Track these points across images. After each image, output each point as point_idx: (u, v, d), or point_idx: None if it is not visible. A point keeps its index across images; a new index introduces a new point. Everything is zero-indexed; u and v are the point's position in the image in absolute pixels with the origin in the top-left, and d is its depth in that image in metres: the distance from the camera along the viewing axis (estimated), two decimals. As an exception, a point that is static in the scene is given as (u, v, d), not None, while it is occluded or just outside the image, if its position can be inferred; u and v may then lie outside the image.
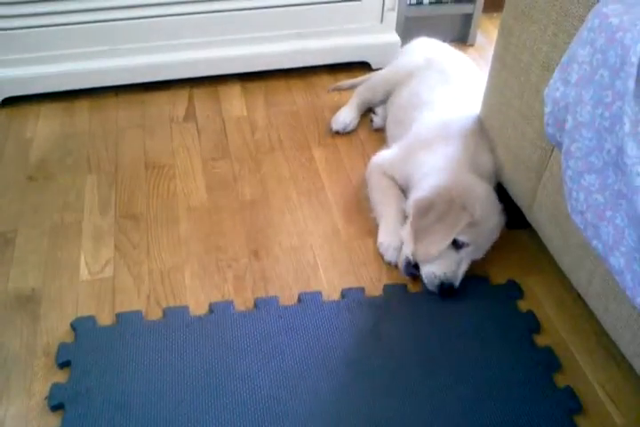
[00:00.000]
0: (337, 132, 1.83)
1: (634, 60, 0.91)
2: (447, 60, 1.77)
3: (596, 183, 1.01)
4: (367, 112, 1.91)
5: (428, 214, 1.34)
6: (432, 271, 1.33)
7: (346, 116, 1.85)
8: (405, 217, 1.45)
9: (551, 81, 1.11)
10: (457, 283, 1.33)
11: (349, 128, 1.84)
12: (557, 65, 1.12)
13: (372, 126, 1.86)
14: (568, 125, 1.05)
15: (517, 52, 1.33)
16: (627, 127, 0.90)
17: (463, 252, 1.34)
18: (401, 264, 1.39)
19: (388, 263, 1.43)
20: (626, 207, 0.95)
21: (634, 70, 0.91)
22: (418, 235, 1.35)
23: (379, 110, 1.87)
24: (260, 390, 1.17)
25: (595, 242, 1.03)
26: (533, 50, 1.27)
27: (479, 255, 1.37)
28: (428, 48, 1.85)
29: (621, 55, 0.94)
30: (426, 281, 1.34)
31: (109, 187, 1.64)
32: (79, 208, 1.58)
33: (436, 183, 1.39)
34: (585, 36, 1.03)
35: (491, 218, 1.36)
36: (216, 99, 1.98)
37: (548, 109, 1.11)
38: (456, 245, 1.33)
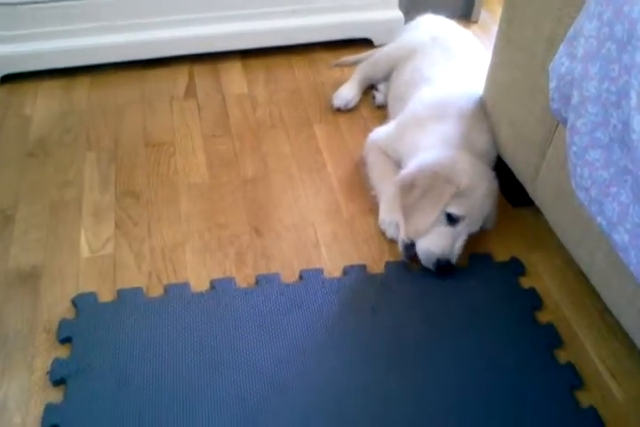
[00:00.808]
0: (338, 109, 1.82)
1: (642, 33, 0.89)
2: (452, 37, 1.74)
3: (601, 159, 1.00)
4: (369, 89, 1.89)
5: (413, 191, 1.34)
6: (427, 248, 1.32)
7: (347, 93, 1.83)
8: None
9: (557, 55, 1.09)
10: (454, 259, 1.32)
11: (351, 105, 1.82)
12: (562, 39, 1.10)
13: (375, 103, 1.84)
14: (574, 101, 1.03)
15: (521, 27, 1.31)
16: (633, 101, 0.89)
17: (460, 226, 1.32)
18: (400, 247, 1.38)
19: (390, 240, 1.42)
20: (631, 183, 0.94)
21: (642, 43, 0.89)
22: (406, 212, 1.35)
23: (381, 87, 1.85)
24: (260, 366, 1.17)
25: (599, 218, 1.02)
26: (538, 24, 1.25)
27: (476, 228, 1.35)
28: (433, 25, 1.82)
29: (628, 29, 0.93)
30: (422, 258, 1.33)
31: (109, 164, 1.63)
32: (79, 185, 1.57)
33: (420, 160, 1.39)
34: (592, 10, 1.01)
35: (480, 186, 1.34)
36: (216, 76, 1.96)
37: (553, 84, 1.10)
38: (451, 219, 1.32)
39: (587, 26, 1.02)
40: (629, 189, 0.95)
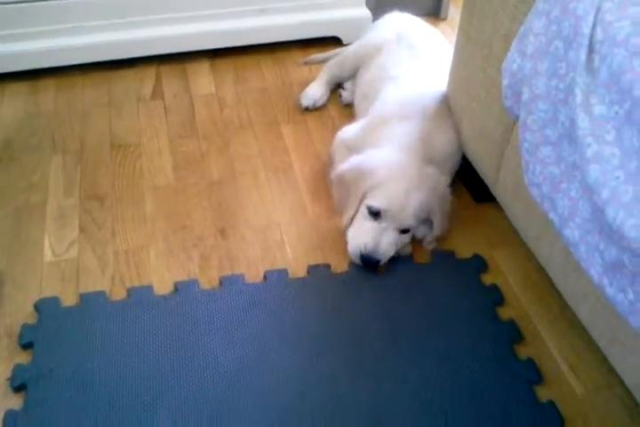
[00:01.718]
0: (306, 109, 1.82)
1: (585, 30, 0.90)
2: (417, 34, 1.75)
3: (551, 155, 1.01)
4: (337, 88, 1.89)
5: (342, 186, 1.40)
6: (351, 241, 1.34)
7: (315, 92, 1.83)
8: None
9: (509, 53, 1.10)
10: (381, 256, 1.31)
11: (319, 104, 1.83)
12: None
13: (342, 102, 1.84)
14: (524, 98, 1.04)
15: (480, 24, 1.31)
16: (578, 98, 0.90)
17: (383, 222, 1.33)
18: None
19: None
20: (580, 179, 0.95)
21: (585, 41, 0.90)
22: (339, 206, 1.42)
23: (347, 85, 1.85)
24: (222, 367, 1.17)
25: (551, 214, 1.03)
26: (495, 22, 1.25)
27: (403, 225, 1.33)
28: (398, 23, 1.82)
29: (574, 26, 0.94)
30: (349, 251, 1.35)
31: (74, 167, 1.62)
32: (44, 189, 1.56)
33: (355, 158, 1.42)
34: (540, 8, 1.02)
35: (400, 180, 1.34)
36: (184, 76, 1.95)
37: (505, 82, 1.10)
38: (372, 213, 1.33)
39: (535, 24, 1.02)
40: (578, 185, 0.96)
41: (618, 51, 0.85)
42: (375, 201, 1.33)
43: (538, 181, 1.04)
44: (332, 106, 1.84)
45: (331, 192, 1.52)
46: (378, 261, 1.32)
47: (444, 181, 1.40)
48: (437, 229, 1.38)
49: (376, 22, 1.91)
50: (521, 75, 1.06)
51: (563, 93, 0.96)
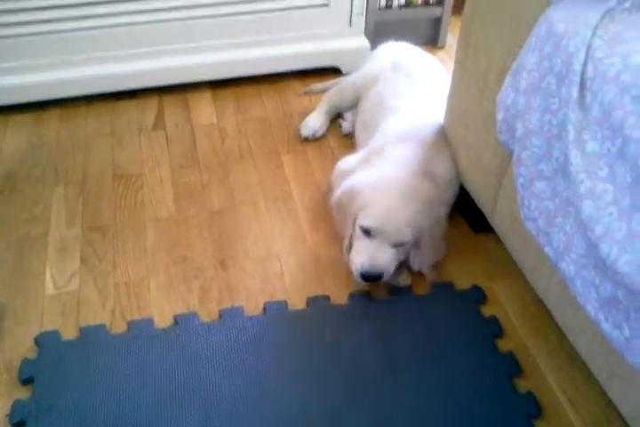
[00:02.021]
0: (306, 139, 1.83)
1: (577, 67, 0.91)
2: (414, 63, 1.77)
3: (546, 190, 1.02)
4: (337, 118, 1.91)
5: (339, 211, 1.44)
6: (353, 264, 1.35)
7: (314, 122, 1.85)
8: None
9: (503, 87, 1.11)
10: (379, 270, 1.31)
11: (318, 134, 1.84)
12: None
13: (341, 132, 1.86)
14: (518, 133, 1.05)
15: (476, 57, 1.33)
16: (571, 135, 0.91)
17: (375, 239, 1.33)
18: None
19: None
20: (574, 214, 0.95)
21: (577, 78, 0.91)
22: (341, 232, 1.45)
23: (347, 116, 1.87)
24: (221, 401, 1.17)
25: (547, 248, 1.03)
26: (490, 55, 1.27)
27: (394, 239, 1.33)
28: (395, 52, 1.85)
29: (566, 63, 0.95)
30: (354, 275, 1.35)
31: (77, 198, 1.64)
32: (46, 220, 1.58)
33: (347, 181, 1.45)
34: (533, 43, 1.03)
35: (382, 197, 1.35)
36: (186, 106, 1.97)
37: (500, 116, 1.11)
38: (365, 232, 1.34)
39: (528, 59, 1.04)
40: (573, 220, 0.96)
41: (608, 88, 0.87)
42: (364, 220, 1.34)
43: (533, 216, 1.04)
44: (332, 136, 1.86)
45: (330, 221, 1.53)
46: (379, 276, 1.32)
47: (436, 196, 1.40)
48: (425, 249, 1.37)
49: (372, 52, 1.93)
50: (515, 110, 1.07)
51: (556, 129, 0.97)
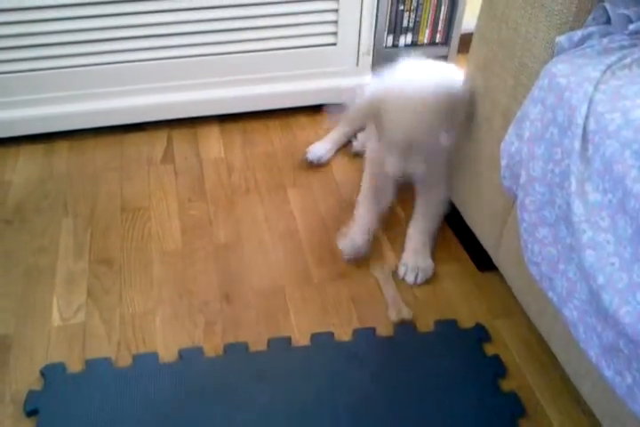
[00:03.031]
0: (311, 163, 1.88)
1: (579, 121, 0.95)
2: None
3: (549, 236, 1.04)
4: (344, 148, 1.96)
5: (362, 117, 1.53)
6: (388, 163, 1.47)
7: (320, 148, 1.90)
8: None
9: (507, 135, 1.14)
10: (407, 174, 1.47)
11: (324, 159, 1.89)
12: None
13: (352, 150, 1.91)
14: (522, 180, 1.08)
15: (481, 101, 1.37)
16: (573, 186, 0.93)
17: (399, 151, 1.43)
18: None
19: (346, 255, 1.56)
20: (577, 261, 0.98)
21: (579, 131, 0.94)
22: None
23: (359, 136, 1.92)
24: (225, 439, 1.18)
25: (550, 293, 1.05)
26: (494, 99, 1.31)
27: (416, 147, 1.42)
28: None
29: (569, 115, 0.98)
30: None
31: (84, 230, 1.66)
32: (54, 252, 1.60)
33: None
34: (536, 95, 1.06)
35: (405, 116, 1.39)
36: (194, 140, 2.01)
37: (504, 163, 1.14)
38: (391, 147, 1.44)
39: (532, 109, 1.07)
40: (575, 267, 0.99)
41: (610, 142, 0.90)
42: (393, 135, 1.42)
43: (537, 260, 1.07)
44: (337, 171, 1.88)
45: (335, 257, 1.56)
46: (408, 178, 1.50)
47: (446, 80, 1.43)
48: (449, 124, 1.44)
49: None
50: (519, 157, 1.10)
51: (558, 178, 1.00)
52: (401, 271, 1.53)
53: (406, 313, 1.42)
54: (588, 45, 1.05)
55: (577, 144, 0.94)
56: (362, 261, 1.57)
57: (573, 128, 0.96)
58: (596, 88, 0.95)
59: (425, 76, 1.46)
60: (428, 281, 1.51)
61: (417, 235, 1.57)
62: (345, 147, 1.96)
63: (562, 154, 0.99)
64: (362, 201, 1.65)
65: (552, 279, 1.04)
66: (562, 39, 1.07)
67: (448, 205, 1.62)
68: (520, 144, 1.09)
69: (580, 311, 0.98)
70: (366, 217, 1.61)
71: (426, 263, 1.53)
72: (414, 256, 1.53)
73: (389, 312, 1.43)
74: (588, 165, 0.93)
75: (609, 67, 0.97)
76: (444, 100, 1.38)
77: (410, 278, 1.51)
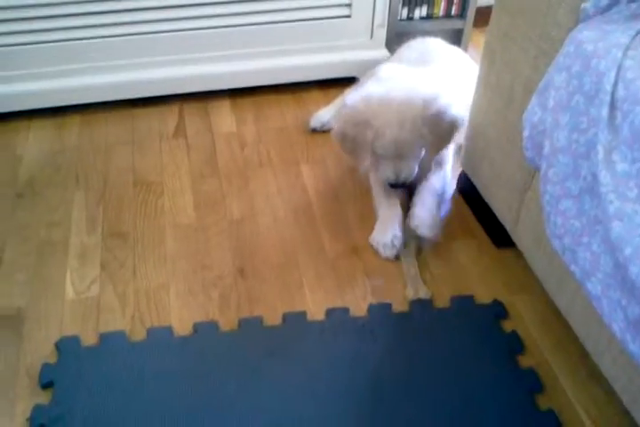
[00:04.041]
0: (314, 130, 1.87)
1: (607, 87, 0.92)
2: (437, 50, 1.81)
3: (573, 208, 1.02)
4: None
5: (346, 141, 1.54)
6: (381, 174, 1.55)
7: (324, 114, 1.89)
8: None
9: (529, 105, 1.12)
10: (405, 179, 1.53)
11: (327, 126, 1.86)
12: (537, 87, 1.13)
13: None
14: (545, 150, 1.05)
15: (501, 72, 1.33)
16: (600, 155, 0.91)
17: (391, 157, 1.50)
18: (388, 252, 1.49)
19: (386, 259, 1.50)
20: (602, 233, 0.95)
21: (608, 98, 0.92)
22: (353, 160, 1.58)
23: None
24: (240, 413, 1.17)
25: (572, 267, 1.03)
26: (515, 71, 1.27)
27: (407, 155, 1.51)
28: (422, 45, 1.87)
29: (596, 82, 0.95)
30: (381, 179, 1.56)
31: (97, 204, 1.65)
32: (66, 225, 1.59)
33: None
34: (561, 62, 1.03)
35: (389, 127, 1.46)
36: (206, 114, 1.98)
37: (526, 133, 1.12)
38: (382, 156, 1.51)
39: (556, 78, 1.04)
40: (600, 239, 0.96)
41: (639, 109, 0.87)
42: (378, 149, 1.49)
43: (559, 233, 1.04)
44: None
45: (350, 231, 1.55)
46: (404, 183, 1.54)
47: (433, 99, 1.47)
48: (432, 151, 1.52)
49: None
50: (542, 127, 1.07)
51: (584, 148, 0.98)
52: (414, 221, 1.50)
53: (424, 293, 1.40)
54: (615, 11, 1.02)
55: (604, 112, 0.91)
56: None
57: (601, 95, 0.93)
58: (625, 54, 0.92)
59: (410, 87, 1.50)
60: (442, 256, 1.50)
61: (424, 192, 1.56)
62: None
63: (588, 123, 0.96)
64: (378, 201, 1.60)
65: (575, 252, 1.02)
66: (587, 5, 1.03)
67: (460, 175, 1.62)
68: (544, 114, 1.06)
69: (603, 285, 0.96)
70: (389, 213, 1.55)
71: (434, 218, 1.52)
72: (421, 209, 1.53)
73: (407, 291, 1.41)
74: (616, 134, 0.90)
75: (638, 33, 0.94)
76: (430, 115, 1.45)
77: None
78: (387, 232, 1.51)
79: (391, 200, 1.58)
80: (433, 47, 1.82)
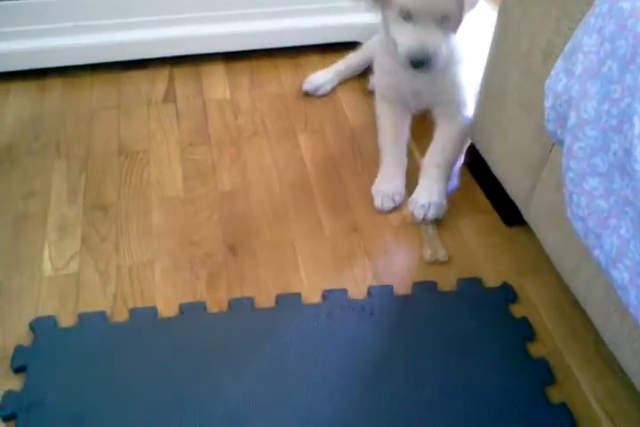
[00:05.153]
0: (306, 93, 1.77)
1: (647, 51, 0.81)
2: None
3: (599, 188, 0.91)
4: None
5: None
6: (400, 46, 1.33)
7: (319, 78, 1.78)
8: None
9: (553, 71, 1.00)
10: (428, 56, 1.31)
11: (321, 91, 1.77)
12: (560, 52, 1.02)
13: (369, 87, 1.78)
14: (570, 122, 0.94)
15: (517, 36, 1.22)
16: (636, 128, 0.80)
17: (419, 20, 1.30)
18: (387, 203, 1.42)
19: (380, 211, 1.43)
20: (632, 216, 0.85)
21: (647, 63, 0.81)
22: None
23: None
24: (228, 400, 1.09)
25: (596, 252, 0.93)
26: (534, 35, 1.16)
27: (436, 13, 1.29)
28: None
29: (633, 45, 0.84)
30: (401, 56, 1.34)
31: (79, 173, 1.54)
32: (46, 196, 1.48)
33: None
34: (592, 23, 0.92)
35: None
36: (198, 79, 1.86)
37: (548, 103, 1.01)
38: (406, 16, 1.30)
39: (586, 41, 0.92)
40: (630, 222, 0.86)
41: (685, 76, 0.76)
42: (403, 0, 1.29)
43: (582, 215, 0.94)
44: (353, 117, 1.74)
45: (348, 207, 1.45)
46: (429, 60, 1.32)
47: None
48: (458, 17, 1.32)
49: None
50: (567, 96, 0.96)
51: (615, 120, 0.87)
52: (410, 206, 1.41)
53: (442, 255, 1.33)
54: (656, -35, 0.90)
55: (643, 79, 0.80)
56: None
57: (638, 61, 0.82)
58: (669, 13, 0.81)
59: None
60: (447, 235, 1.40)
61: (431, 168, 1.45)
62: (357, 82, 1.83)
63: (622, 92, 0.85)
64: (384, 146, 1.52)
65: (600, 236, 0.92)
66: (624, -42, 0.91)
67: (468, 137, 1.50)
68: (570, 81, 0.95)
69: (632, 273, 0.86)
70: (395, 162, 1.48)
71: (440, 198, 1.41)
72: (427, 190, 1.42)
73: (424, 251, 1.34)
74: (657, 105, 0.79)
75: (685, -12, 0.83)
76: None
77: (419, 214, 1.39)
78: (390, 183, 1.44)
79: (398, 143, 1.51)
80: None
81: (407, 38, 1.32)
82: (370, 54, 1.75)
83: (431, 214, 1.39)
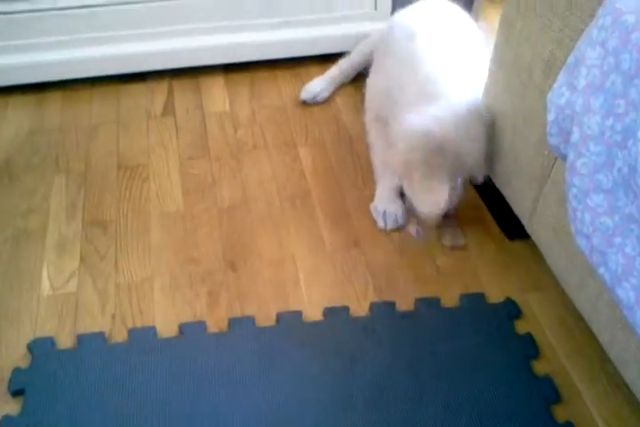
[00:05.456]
0: (304, 102, 1.77)
1: (651, 66, 0.79)
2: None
3: (603, 205, 0.89)
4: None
5: (411, 173, 1.29)
6: (430, 211, 1.30)
7: (316, 86, 1.78)
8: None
9: (555, 85, 0.98)
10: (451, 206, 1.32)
11: (319, 98, 1.77)
12: (562, 64, 1.00)
13: (364, 91, 1.74)
14: (573, 137, 0.92)
15: (519, 48, 1.20)
16: (641, 145, 0.78)
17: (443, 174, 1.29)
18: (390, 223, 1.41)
19: (382, 230, 1.42)
20: (638, 234, 0.83)
21: (651, 79, 0.79)
22: (416, 194, 1.31)
23: None
24: (229, 423, 1.06)
25: (601, 270, 0.91)
26: (536, 46, 1.14)
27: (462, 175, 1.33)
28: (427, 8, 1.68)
29: (637, 59, 0.82)
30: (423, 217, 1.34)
31: (78, 188, 1.53)
32: (44, 213, 1.47)
33: (402, 133, 1.30)
34: (595, 36, 0.90)
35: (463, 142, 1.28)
36: (197, 91, 1.85)
37: (551, 117, 0.99)
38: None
39: (589, 54, 0.91)
40: (635, 240, 0.84)
41: (690, 92, 0.74)
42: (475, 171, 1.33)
43: (587, 232, 0.92)
44: (352, 127, 1.72)
45: (350, 222, 1.43)
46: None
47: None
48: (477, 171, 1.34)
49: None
50: (570, 110, 0.94)
51: (620, 135, 0.85)
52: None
53: (461, 239, 1.36)
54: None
55: (648, 95, 0.79)
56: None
57: (643, 76, 0.80)
58: (673, 27, 0.79)
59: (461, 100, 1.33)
60: (449, 249, 1.38)
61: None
62: (353, 86, 1.83)
63: (626, 107, 0.83)
64: (377, 165, 1.52)
65: (605, 254, 0.89)
66: (626, -31, 0.89)
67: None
68: (573, 95, 0.93)
69: (638, 292, 0.84)
70: (389, 184, 1.47)
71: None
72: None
73: (442, 237, 1.38)
74: (661, 121, 0.77)
75: (688, 1, 0.81)
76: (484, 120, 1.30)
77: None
78: (391, 204, 1.43)
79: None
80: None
81: (439, 193, 1.28)
82: (362, 57, 1.78)
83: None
